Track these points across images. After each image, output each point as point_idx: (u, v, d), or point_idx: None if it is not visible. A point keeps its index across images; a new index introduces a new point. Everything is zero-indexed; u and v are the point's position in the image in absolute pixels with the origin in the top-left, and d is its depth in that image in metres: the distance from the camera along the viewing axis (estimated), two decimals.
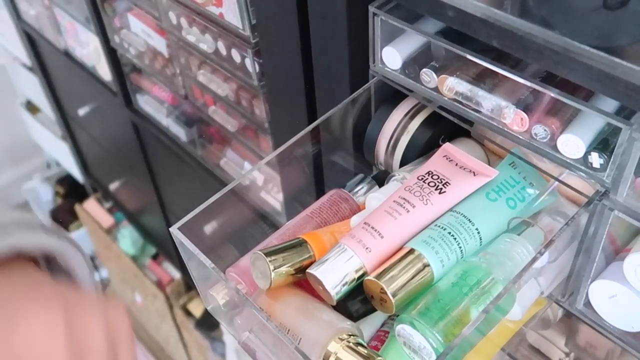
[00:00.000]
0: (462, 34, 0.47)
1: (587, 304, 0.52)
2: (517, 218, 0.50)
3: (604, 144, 0.44)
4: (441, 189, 0.49)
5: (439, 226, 0.48)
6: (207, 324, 1.69)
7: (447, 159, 0.52)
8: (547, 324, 0.60)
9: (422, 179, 0.50)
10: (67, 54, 1.37)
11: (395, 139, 0.59)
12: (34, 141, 2.19)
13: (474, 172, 0.50)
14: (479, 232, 0.48)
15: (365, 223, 0.48)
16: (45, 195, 2.28)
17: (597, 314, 0.51)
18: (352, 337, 0.45)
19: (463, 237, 0.47)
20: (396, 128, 0.59)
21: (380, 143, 0.60)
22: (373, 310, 0.48)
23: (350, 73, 0.62)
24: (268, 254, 0.47)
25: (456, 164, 0.51)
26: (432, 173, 0.50)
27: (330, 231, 0.51)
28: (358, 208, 0.57)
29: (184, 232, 0.49)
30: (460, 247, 0.47)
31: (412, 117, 0.59)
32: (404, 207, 0.48)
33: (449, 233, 0.47)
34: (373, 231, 0.47)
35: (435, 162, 0.52)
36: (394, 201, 0.49)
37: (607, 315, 0.50)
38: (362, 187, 0.59)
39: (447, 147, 0.53)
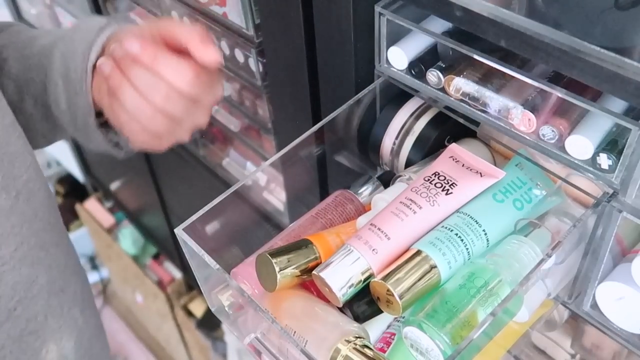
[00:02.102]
0: (469, 34, 0.47)
1: (594, 305, 0.51)
2: (524, 219, 0.50)
3: (612, 144, 0.44)
4: (448, 190, 0.49)
5: (446, 227, 0.47)
6: (209, 324, 1.69)
7: (453, 159, 0.51)
8: (553, 325, 0.60)
9: (429, 179, 0.50)
10: None
11: (400, 139, 0.59)
12: None
13: (480, 173, 0.50)
14: (486, 234, 0.48)
15: (371, 224, 0.48)
16: None
17: (604, 315, 0.50)
18: (358, 339, 0.44)
19: (470, 238, 0.47)
20: (401, 128, 0.59)
21: (385, 143, 0.60)
22: (379, 312, 0.48)
23: (355, 73, 0.61)
24: (273, 255, 0.47)
25: (463, 165, 0.51)
26: (438, 174, 0.50)
27: (336, 232, 0.51)
28: (363, 209, 0.57)
29: (188, 233, 0.49)
30: (467, 249, 0.46)
31: (418, 118, 0.58)
32: (410, 208, 0.48)
33: (456, 234, 0.47)
34: (380, 232, 0.47)
35: (442, 163, 0.51)
36: (401, 202, 0.49)
37: (614, 317, 0.50)
38: (367, 188, 0.58)
39: (453, 147, 0.52)
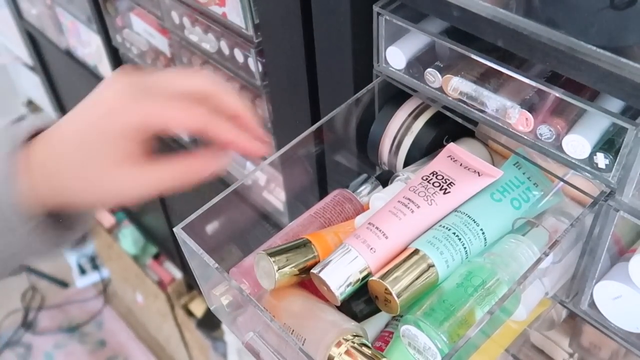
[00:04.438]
0: (467, 34, 0.47)
1: (592, 304, 0.51)
2: (521, 218, 0.50)
3: (609, 144, 0.44)
4: (446, 189, 0.49)
5: (444, 226, 0.47)
6: (209, 323, 1.69)
7: (451, 159, 0.52)
8: (551, 324, 0.60)
9: (427, 179, 0.50)
10: (69, 54, 1.37)
11: (399, 139, 0.59)
12: None
13: (478, 173, 0.50)
14: (483, 233, 0.48)
15: (369, 223, 0.48)
16: None
17: (602, 314, 0.50)
18: (356, 337, 0.45)
19: (468, 237, 0.47)
20: (400, 128, 0.59)
21: (383, 143, 0.60)
22: (377, 310, 0.48)
23: (354, 73, 0.61)
24: (272, 254, 0.47)
25: (460, 164, 0.51)
26: (436, 173, 0.50)
27: (334, 231, 0.51)
28: (362, 208, 0.57)
29: (187, 232, 0.49)
30: (465, 248, 0.47)
31: (416, 117, 0.58)
32: (408, 208, 0.48)
33: (454, 233, 0.47)
34: (377, 231, 0.47)
35: (440, 163, 0.51)
36: (399, 201, 0.49)
37: (612, 316, 0.50)
38: (365, 187, 0.59)
39: (451, 147, 0.52)
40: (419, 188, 0.49)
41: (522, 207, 0.50)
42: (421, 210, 0.48)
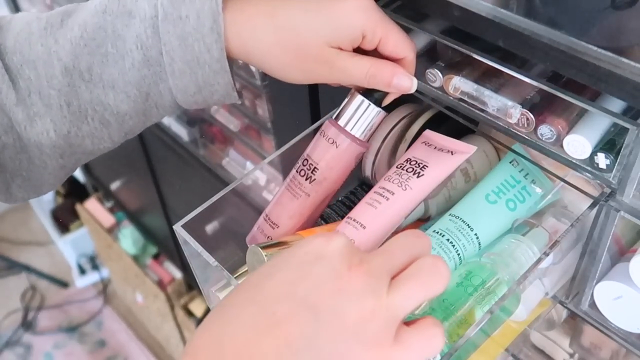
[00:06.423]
0: (468, 33, 0.47)
1: (592, 304, 0.51)
2: (521, 219, 0.50)
3: (610, 144, 0.44)
4: (419, 172, 0.48)
5: (438, 232, 0.47)
6: None
7: (426, 144, 0.51)
8: (551, 324, 0.60)
9: (401, 166, 0.49)
10: None
11: (395, 141, 0.59)
12: None
13: (451, 152, 0.49)
14: (477, 238, 0.48)
15: (347, 217, 0.48)
16: (45, 195, 2.27)
17: (602, 314, 0.50)
18: None
19: (462, 243, 0.47)
20: (394, 129, 0.59)
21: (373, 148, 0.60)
22: None
23: None
24: (265, 247, 0.47)
25: (435, 147, 0.50)
26: (410, 160, 0.50)
27: (328, 228, 0.51)
28: None
29: (187, 231, 0.49)
30: (458, 254, 0.47)
31: (408, 127, 0.58)
32: (383, 196, 0.48)
33: (448, 240, 0.47)
34: (355, 223, 0.47)
35: (414, 150, 0.51)
36: (374, 192, 0.49)
37: (612, 316, 0.50)
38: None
39: (427, 133, 0.52)
40: (393, 176, 0.49)
41: (518, 208, 0.50)
42: (396, 197, 0.48)
